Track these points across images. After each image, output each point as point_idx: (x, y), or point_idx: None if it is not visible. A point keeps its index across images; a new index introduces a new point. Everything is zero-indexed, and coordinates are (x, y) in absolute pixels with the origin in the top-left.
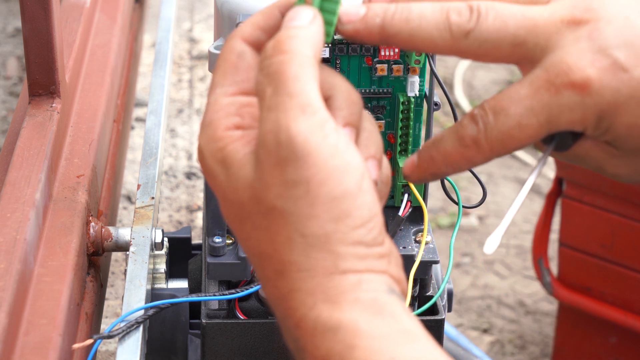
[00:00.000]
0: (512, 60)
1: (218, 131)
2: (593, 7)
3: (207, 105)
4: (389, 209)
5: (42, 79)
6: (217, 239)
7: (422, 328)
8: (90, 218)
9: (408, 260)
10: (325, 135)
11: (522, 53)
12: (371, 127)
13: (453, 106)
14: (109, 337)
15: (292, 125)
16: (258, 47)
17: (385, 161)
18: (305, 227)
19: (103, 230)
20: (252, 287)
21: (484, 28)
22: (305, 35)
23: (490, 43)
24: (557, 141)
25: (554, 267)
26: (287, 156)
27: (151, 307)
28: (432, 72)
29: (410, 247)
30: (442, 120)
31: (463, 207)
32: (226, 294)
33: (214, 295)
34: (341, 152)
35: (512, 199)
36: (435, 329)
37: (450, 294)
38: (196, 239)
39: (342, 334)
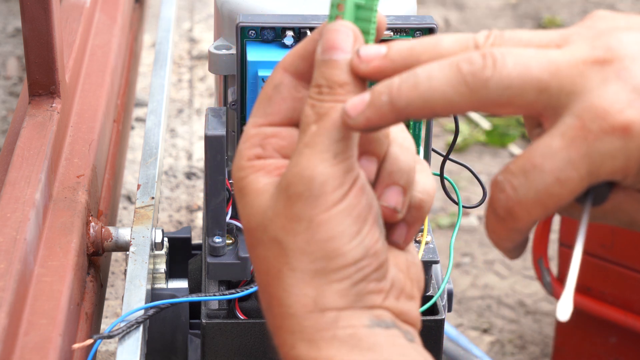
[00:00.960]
0: (535, 109)
1: (242, 161)
2: (613, 46)
3: (244, 132)
4: None
5: (42, 79)
6: (217, 239)
7: (408, 355)
8: (90, 218)
9: None
10: (342, 183)
11: (546, 100)
12: (397, 152)
13: None
14: (109, 337)
15: (319, 167)
16: (298, 75)
17: (422, 184)
18: (296, 261)
19: (103, 230)
20: (252, 287)
21: (505, 74)
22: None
23: (513, 90)
24: (593, 194)
25: (554, 267)
26: (301, 192)
27: (151, 307)
28: None
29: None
30: (442, 120)
31: (463, 207)
32: (226, 294)
33: (214, 295)
34: (349, 197)
35: None
36: (435, 329)
37: (450, 294)
38: (196, 239)
39: None
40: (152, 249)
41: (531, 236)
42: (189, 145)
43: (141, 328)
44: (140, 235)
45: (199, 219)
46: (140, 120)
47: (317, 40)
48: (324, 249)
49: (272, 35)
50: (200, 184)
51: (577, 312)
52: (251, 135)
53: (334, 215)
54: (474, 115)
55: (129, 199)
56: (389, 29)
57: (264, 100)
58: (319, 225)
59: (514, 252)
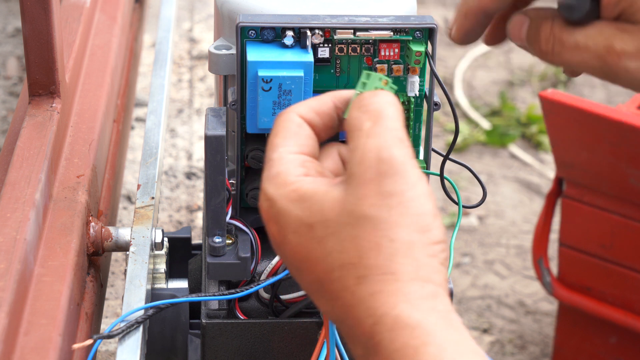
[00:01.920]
0: None
1: (289, 177)
2: None
3: (270, 162)
4: None
5: (42, 79)
6: (217, 239)
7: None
8: (90, 218)
9: None
10: (415, 164)
11: None
12: None
13: (453, 106)
14: (109, 337)
15: (393, 148)
16: (309, 124)
17: None
18: (394, 233)
19: (103, 230)
20: (252, 287)
21: None
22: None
23: None
24: (576, 7)
25: (554, 267)
26: (386, 170)
27: (151, 307)
28: (432, 72)
29: None
30: (442, 120)
31: (463, 207)
32: (226, 294)
33: (214, 295)
34: (424, 180)
35: (512, 199)
36: None
37: (450, 294)
38: (196, 239)
39: (419, 332)
40: (152, 249)
41: (531, 236)
42: (189, 145)
43: (141, 328)
44: (140, 235)
45: (199, 219)
46: (140, 120)
47: (330, 104)
48: (417, 222)
49: (272, 35)
50: (200, 184)
51: (577, 312)
52: (290, 159)
53: (420, 191)
54: (474, 115)
55: (129, 199)
56: (389, 28)
57: (292, 134)
58: (410, 200)
59: (462, 38)
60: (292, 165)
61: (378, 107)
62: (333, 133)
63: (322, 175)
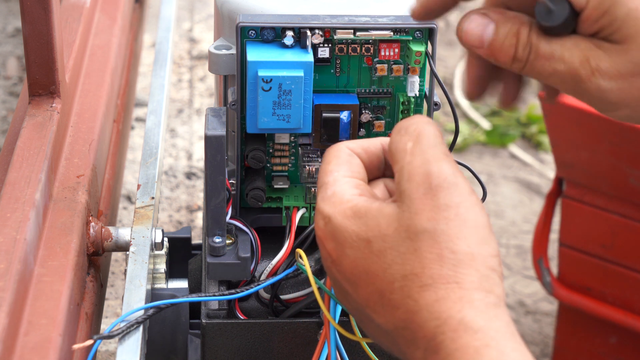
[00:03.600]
0: None
1: (345, 196)
2: None
3: (325, 185)
4: None
5: (42, 79)
6: (217, 239)
7: None
8: (90, 218)
9: None
10: (463, 177)
11: None
12: None
13: (453, 106)
14: (109, 337)
15: (440, 162)
16: (358, 157)
17: None
18: (454, 244)
19: (103, 230)
20: (252, 287)
21: None
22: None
23: None
24: (555, 12)
25: (554, 267)
26: (438, 184)
27: (151, 307)
28: (432, 72)
29: None
30: (442, 120)
31: None
32: (226, 294)
33: (214, 295)
34: (474, 192)
35: (512, 199)
36: None
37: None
38: (196, 239)
39: (481, 335)
40: (152, 249)
41: (531, 236)
42: (189, 145)
43: (141, 328)
44: (140, 235)
45: (199, 219)
46: (140, 120)
47: (379, 145)
48: (476, 234)
49: (272, 35)
50: (200, 184)
51: (577, 312)
52: (345, 181)
53: (474, 202)
54: (474, 115)
55: (129, 199)
56: (389, 28)
57: (344, 162)
58: (466, 211)
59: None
60: (347, 187)
61: (417, 127)
62: (379, 174)
63: (375, 197)
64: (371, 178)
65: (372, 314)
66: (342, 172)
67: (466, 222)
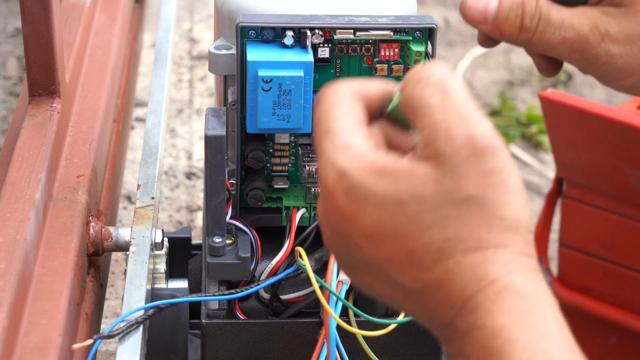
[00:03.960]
0: None
1: (361, 148)
2: None
3: (333, 133)
4: None
5: (42, 79)
6: (217, 239)
7: None
8: (90, 218)
9: None
10: (502, 139)
11: None
12: None
13: None
14: (109, 337)
15: (480, 123)
16: (361, 101)
17: None
18: (502, 211)
19: (103, 230)
20: (252, 287)
21: None
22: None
23: None
24: None
25: (554, 267)
26: (483, 148)
27: (151, 307)
28: None
29: None
30: None
31: None
32: (226, 294)
33: (214, 295)
34: (511, 155)
35: None
36: None
37: None
38: (196, 239)
39: (526, 301)
40: (152, 249)
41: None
42: (189, 145)
43: (141, 328)
44: (140, 235)
45: (199, 219)
46: (140, 120)
47: (383, 96)
48: (518, 200)
49: (272, 35)
50: (200, 184)
51: (577, 312)
52: (357, 130)
53: (513, 166)
54: None
55: (129, 199)
56: (389, 28)
57: (350, 107)
58: (509, 176)
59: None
60: (360, 138)
61: (441, 78)
62: (374, 118)
63: (392, 152)
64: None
65: (394, 272)
66: (349, 118)
67: (510, 187)
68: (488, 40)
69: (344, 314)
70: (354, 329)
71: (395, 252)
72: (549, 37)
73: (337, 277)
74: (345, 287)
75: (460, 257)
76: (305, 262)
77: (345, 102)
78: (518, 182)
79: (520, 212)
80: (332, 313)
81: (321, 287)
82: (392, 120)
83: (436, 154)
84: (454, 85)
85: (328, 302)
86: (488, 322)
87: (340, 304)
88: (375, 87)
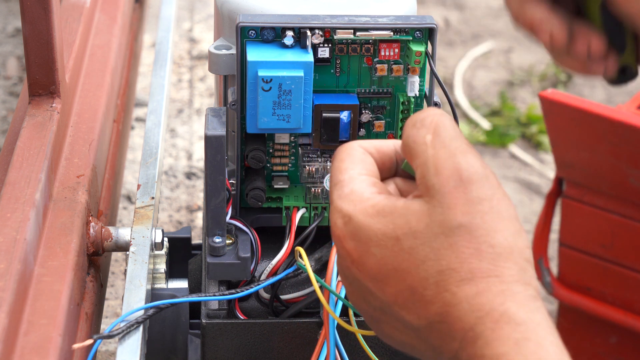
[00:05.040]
0: None
1: (364, 194)
2: None
3: (340, 183)
4: None
5: (42, 79)
6: (217, 239)
7: None
8: (90, 218)
9: None
10: (490, 169)
11: None
12: None
13: (453, 106)
14: (109, 337)
15: (467, 154)
16: (371, 157)
17: None
18: (492, 238)
19: (103, 230)
20: (252, 287)
21: None
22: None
23: None
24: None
25: (554, 267)
26: (469, 177)
27: (151, 307)
28: (432, 72)
29: None
30: None
31: None
32: (226, 294)
33: (214, 295)
34: (501, 185)
35: (512, 199)
36: None
37: None
38: (196, 239)
39: (523, 328)
40: (152, 249)
41: (531, 236)
42: (189, 145)
43: (141, 328)
44: (140, 235)
45: (199, 219)
46: (140, 120)
47: (392, 147)
48: (510, 226)
49: (272, 35)
50: (200, 184)
51: (577, 312)
52: (362, 179)
53: (503, 194)
54: (474, 115)
55: (129, 199)
56: (389, 28)
57: (359, 160)
58: (499, 203)
59: None
60: (365, 184)
61: (433, 119)
62: (389, 176)
63: (395, 195)
64: (382, 179)
65: (400, 311)
66: (357, 170)
67: (500, 214)
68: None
69: (344, 313)
70: (354, 329)
71: (399, 291)
72: None
73: (337, 277)
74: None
75: (455, 289)
76: (305, 262)
77: (356, 156)
78: (509, 210)
79: (513, 239)
80: (332, 312)
81: (321, 287)
82: (407, 176)
83: (427, 188)
84: (445, 124)
85: (328, 302)
86: (487, 352)
87: (340, 304)
88: (388, 145)
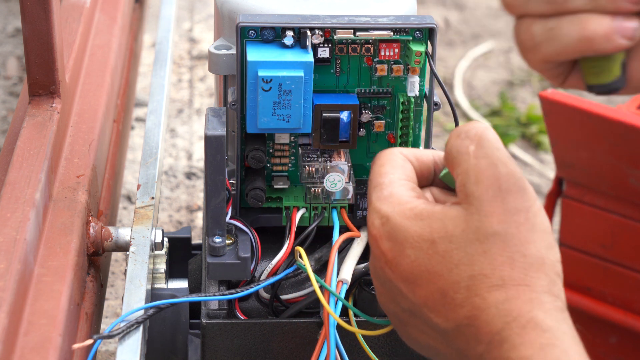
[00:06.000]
0: None
1: (403, 197)
2: None
3: (380, 185)
4: None
5: (42, 79)
6: (217, 239)
7: None
8: (90, 218)
9: None
10: (527, 182)
11: None
12: None
13: (453, 106)
14: (109, 337)
15: (509, 165)
16: (411, 164)
17: None
18: (525, 248)
19: (103, 230)
20: (252, 287)
21: None
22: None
23: None
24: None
25: None
26: (508, 187)
27: (151, 307)
28: (432, 72)
29: None
30: (442, 120)
31: None
32: (226, 294)
33: (214, 295)
34: (538, 198)
35: None
36: None
37: None
38: (196, 239)
39: (549, 335)
40: (152, 249)
41: None
42: (189, 145)
43: (141, 328)
44: (140, 235)
45: (199, 219)
46: (140, 120)
47: (430, 157)
48: (544, 239)
49: (272, 35)
50: (200, 184)
51: (577, 312)
52: (401, 183)
53: (540, 207)
54: (474, 115)
55: (129, 199)
56: (389, 28)
57: (399, 166)
58: (535, 216)
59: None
60: (404, 189)
61: (478, 131)
62: (427, 184)
63: (433, 202)
64: (420, 187)
65: (429, 313)
66: (397, 174)
67: (535, 226)
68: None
69: (344, 313)
70: (354, 329)
71: (430, 293)
72: None
73: (337, 277)
74: (345, 287)
75: (485, 294)
76: (305, 262)
77: (396, 161)
78: (545, 223)
79: (545, 251)
80: (332, 312)
81: (321, 287)
82: (444, 186)
83: (466, 195)
84: (489, 136)
85: (328, 303)
86: (513, 355)
87: (340, 304)
88: (427, 153)
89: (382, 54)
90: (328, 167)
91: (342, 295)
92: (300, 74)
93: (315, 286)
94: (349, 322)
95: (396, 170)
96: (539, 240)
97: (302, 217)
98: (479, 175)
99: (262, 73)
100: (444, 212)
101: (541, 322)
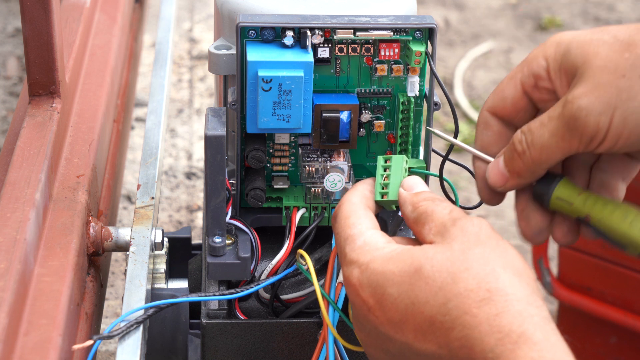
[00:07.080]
0: None
1: (378, 244)
2: None
3: (351, 237)
4: None
5: (42, 79)
6: (217, 239)
7: None
8: (90, 218)
9: None
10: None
11: None
12: None
13: (453, 106)
14: (109, 337)
15: (465, 218)
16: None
17: None
18: (505, 262)
19: (103, 230)
20: (252, 287)
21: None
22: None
23: None
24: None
25: (554, 267)
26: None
27: (151, 307)
28: (432, 72)
29: None
30: (442, 120)
31: (462, 207)
32: (226, 294)
33: (214, 295)
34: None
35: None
36: None
37: None
38: (196, 239)
39: (540, 347)
40: (152, 249)
41: None
42: (189, 145)
43: (141, 328)
44: (140, 235)
45: (199, 219)
46: (140, 120)
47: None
48: (518, 260)
49: (272, 35)
50: (200, 184)
51: (577, 312)
52: (372, 233)
53: (506, 243)
54: (474, 115)
55: (129, 199)
56: (389, 28)
57: (363, 216)
58: (505, 242)
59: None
60: (377, 236)
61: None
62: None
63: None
64: None
65: (421, 346)
66: (364, 224)
67: (507, 249)
68: (496, 195)
69: (343, 311)
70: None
71: (417, 325)
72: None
73: (337, 278)
74: (345, 290)
75: (476, 309)
76: (309, 266)
77: (359, 212)
78: (513, 251)
79: (521, 263)
80: (331, 325)
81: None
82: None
83: (442, 236)
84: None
85: (327, 306)
86: None
87: (340, 303)
88: (371, 197)
89: (382, 54)
90: (328, 167)
91: (342, 297)
92: (300, 74)
93: (317, 287)
94: (347, 328)
95: (362, 220)
96: (515, 259)
97: (302, 217)
98: (455, 219)
99: (262, 73)
100: (423, 247)
101: (532, 335)
